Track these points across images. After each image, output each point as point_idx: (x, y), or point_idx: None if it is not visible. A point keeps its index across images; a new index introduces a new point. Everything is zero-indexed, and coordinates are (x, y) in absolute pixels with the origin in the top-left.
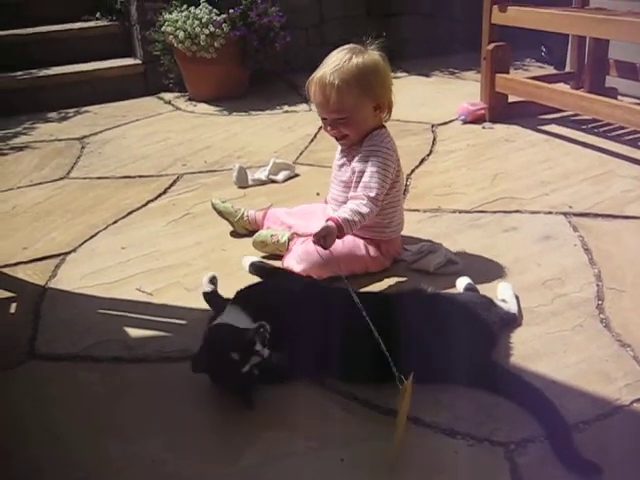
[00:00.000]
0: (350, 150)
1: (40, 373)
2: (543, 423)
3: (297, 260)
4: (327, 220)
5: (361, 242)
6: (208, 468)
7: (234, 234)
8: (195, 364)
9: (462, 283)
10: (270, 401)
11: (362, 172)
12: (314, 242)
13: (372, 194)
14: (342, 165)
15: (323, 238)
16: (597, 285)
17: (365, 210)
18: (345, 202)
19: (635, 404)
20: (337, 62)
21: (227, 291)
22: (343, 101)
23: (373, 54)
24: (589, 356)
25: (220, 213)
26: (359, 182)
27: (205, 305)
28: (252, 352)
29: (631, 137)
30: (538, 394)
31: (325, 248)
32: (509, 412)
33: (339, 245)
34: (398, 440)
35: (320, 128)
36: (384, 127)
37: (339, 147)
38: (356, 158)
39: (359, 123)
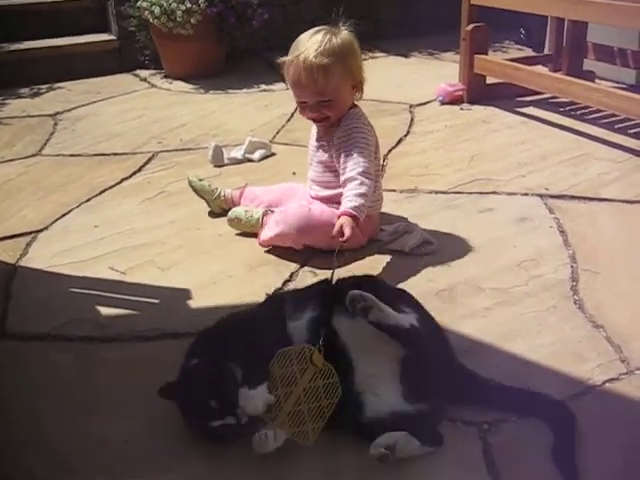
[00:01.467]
0: (327, 131)
1: (12, 352)
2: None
3: (273, 225)
4: (338, 217)
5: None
6: (183, 450)
7: (209, 213)
8: (167, 389)
9: None
10: None
11: (347, 152)
12: (333, 237)
13: (363, 168)
14: (320, 146)
15: (341, 230)
16: (572, 267)
17: (364, 189)
18: (325, 183)
19: (607, 384)
20: (318, 43)
21: (199, 270)
22: (329, 82)
23: (347, 34)
24: (563, 337)
25: (196, 191)
26: (346, 162)
27: (177, 283)
28: (231, 412)
29: (608, 120)
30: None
31: (345, 240)
32: None
33: (318, 213)
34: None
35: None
36: (357, 106)
37: (314, 128)
38: (336, 139)
39: (341, 104)
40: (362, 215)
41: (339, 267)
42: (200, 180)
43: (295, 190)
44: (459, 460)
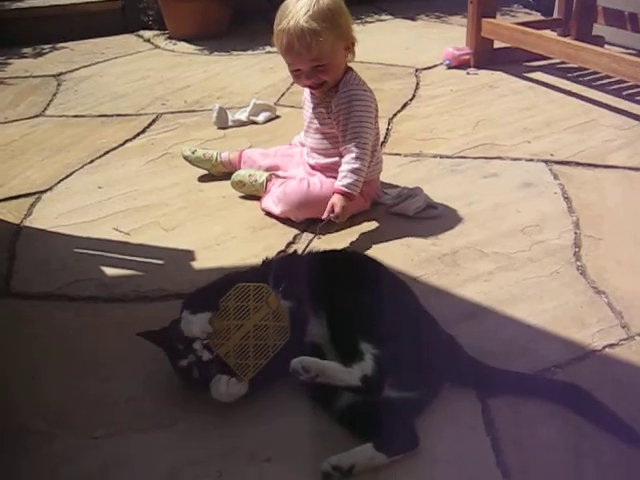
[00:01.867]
0: (324, 97)
1: (15, 312)
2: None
3: (275, 202)
4: (333, 194)
5: None
6: (185, 408)
7: (213, 175)
8: (147, 334)
9: None
10: None
11: (346, 120)
12: (326, 217)
13: (361, 140)
14: (317, 114)
15: (333, 211)
16: (575, 233)
17: (359, 164)
18: (323, 150)
19: (607, 349)
20: (306, 8)
21: (203, 231)
22: (323, 47)
23: None
24: (564, 302)
25: (193, 164)
26: (345, 131)
27: (181, 244)
28: (191, 350)
29: (616, 86)
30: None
31: (337, 218)
32: (483, 355)
33: (317, 188)
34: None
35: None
36: (351, 69)
37: (307, 94)
38: (335, 106)
39: (336, 67)
40: (356, 190)
41: (329, 232)
42: (194, 152)
43: (292, 152)
44: (457, 420)
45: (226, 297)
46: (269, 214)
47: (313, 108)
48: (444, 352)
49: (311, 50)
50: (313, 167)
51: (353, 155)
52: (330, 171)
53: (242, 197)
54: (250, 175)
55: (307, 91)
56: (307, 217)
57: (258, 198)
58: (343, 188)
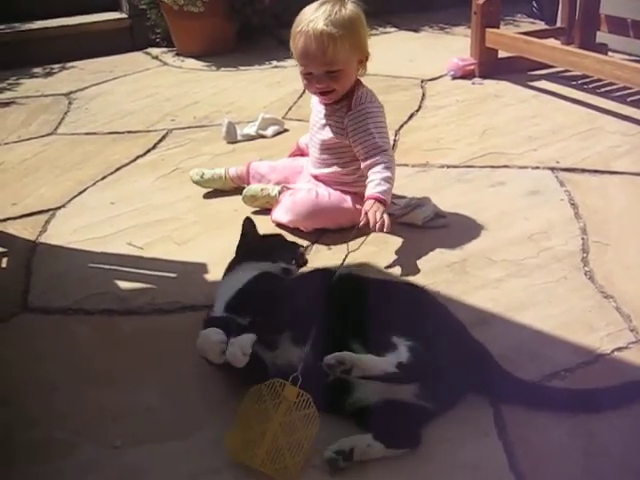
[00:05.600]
0: (333, 111)
1: (33, 326)
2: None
3: (285, 211)
4: (366, 200)
5: (348, 197)
6: (201, 418)
7: (223, 190)
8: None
9: None
10: None
11: (365, 136)
12: (374, 228)
13: (385, 148)
14: (326, 125)
15: (376, 219)
16: (582, 238)
17: (389, 172)
18: (323, 160)
19: (616, 352)
20: (328, 13)
21: (214, 244)
22: (339, 52)
23: (354, 6)
24: (573, 307)
25: (204, 186)
26: (366, 146)
27: (194, 258)
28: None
29: (620, 93)
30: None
31: (381, 227)
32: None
33: (326, 198)
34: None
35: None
36: (362, 83)
37: (316, 108)
38: (349, 124)
39: (347, 76)
40: (389, 198)
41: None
42: (202, 175)
43: (299, 164)
44: (469, 424)
45: (242, 404)
46: (279, 225)
47: (323, 120)
48: (474, 364)
49: (327, 54)
50: (316, 177)
51: (382, 166)
52: (334, 183)
53: (253, 210)
54: (262, 189)
55: (316, 101)
56: (315, 227)
57: (269, 211)
58: (379, 195)
